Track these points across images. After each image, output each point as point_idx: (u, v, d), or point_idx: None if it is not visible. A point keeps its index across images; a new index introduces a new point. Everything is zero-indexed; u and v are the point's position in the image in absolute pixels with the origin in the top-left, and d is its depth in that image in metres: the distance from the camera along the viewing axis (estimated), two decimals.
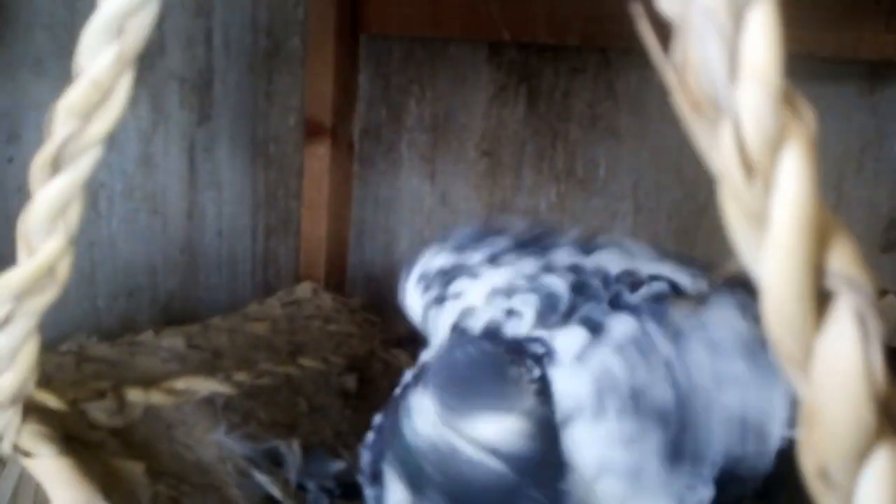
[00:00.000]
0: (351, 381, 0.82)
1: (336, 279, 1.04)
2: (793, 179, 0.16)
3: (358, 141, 1.09)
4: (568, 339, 0.48)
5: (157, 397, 0.50)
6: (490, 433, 0.36)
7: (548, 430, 0.41)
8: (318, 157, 0.98)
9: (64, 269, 0.30)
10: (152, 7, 0.28)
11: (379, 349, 0.91)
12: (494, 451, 0.36)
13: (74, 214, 0.29)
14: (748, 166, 0.16)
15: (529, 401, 0.40)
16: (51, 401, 0.39)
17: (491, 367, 0.40)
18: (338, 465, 0.66)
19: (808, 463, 0.16)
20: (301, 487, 0.59)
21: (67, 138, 0.28)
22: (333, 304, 0.96)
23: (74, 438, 0.37)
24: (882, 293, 0.71)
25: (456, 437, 0.38)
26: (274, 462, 0.59)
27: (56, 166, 0.28)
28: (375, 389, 0.85)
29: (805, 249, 0.16)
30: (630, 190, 1.02)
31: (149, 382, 0.51)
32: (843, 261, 0.16)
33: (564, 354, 0.47)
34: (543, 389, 0.45)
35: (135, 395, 0.48)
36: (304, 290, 0.96)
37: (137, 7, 0.27)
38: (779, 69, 0.16)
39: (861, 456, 0.16)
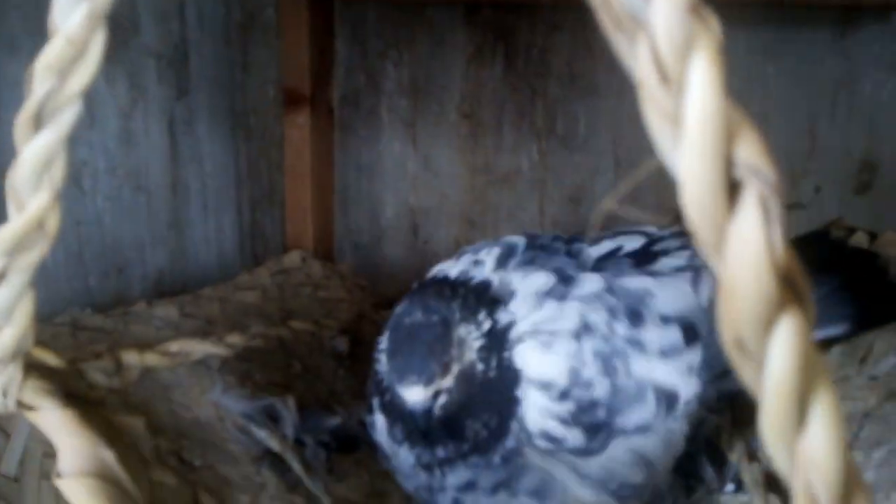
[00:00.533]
0: (342, 344, 0.84)
1: (324, 247, 1.05)
2: (701, 82, 0.17)
3: (338, 108, 1.09)
4: (533, 281, 0.52)
5: (152, 359, 0.51)
6: (411, 398, 0.46)
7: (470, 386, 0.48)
8: (299, 126, 0.98)
9: (53, 224, 0.31)
10: None
11: (369, 312, 0.93)
12: (412, 411, 0.46)
13: (59, 169, 0.30)
14: (663, 74, 0.18)
15: (462, 361, 0.48)
16: (50, 359, 0.40)
17: (424, 337, 0.47)
18: (333, 421, 0.68)
19: (726, 335, 0.18)
20: (299, 442, 0.61)
21: (47, 95, 0.29)
22: (323, 271, 0.98)
23: (75, 396, 0.39)
24: (850, 230, 0.73)
25: (395, 390, 0.47)
26: (271, 419, 0.61)
27: (38, 123, 0.29)
28: (366, 350, 0.87)
29: (715, 144, 0.18)
30: (611, 146, 1.03)
31: (144, 346, 0.53)
32: (750, 152, 0.18)
33: (526, 292, 0.50)
34: (494, 330, 0.50)
35: (131, 358, 0.49)
36: (292, 258, 0.97)
37: None
38: None
39: (768, 324, 0.17)
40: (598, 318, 0.50)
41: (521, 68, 1.04)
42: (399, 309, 0.51)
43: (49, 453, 0.36)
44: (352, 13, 1.08)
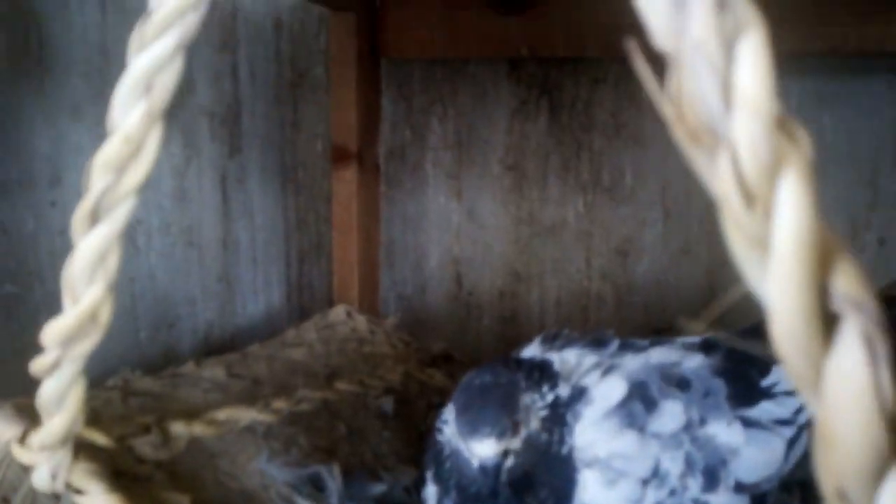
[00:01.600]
0: (388, 403, 0.83)
1: (369, 300, 1.05)
2: (791, 206, 0.16)
3: (384, 162, 1.11)
4: (609, 389, 0.50)
5: (199, 429, 0.51)
6: (483, 451, 0.45)
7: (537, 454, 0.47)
8: (346, 181, 1.00)
9: (105, 314, 0.31)
10: (177, 63, 0.29)
11: (414, 369, 0.92)
12: (482, 467, 0.45)
13: (113, 262, 0.31)
14: (747, 194, 0.17)
15: (528, 427, 0.47)
16: (99, 438, 0.41)
17: (495, 395, 0.47)
18: (378, 488, 0.66)
19: (826, 483, 0.16)
20: None
21: (104, 191, 0.30)
22: (367, 325, 0.98)
23: (123, 474, 0.39)
24: None
25: (464, 447, 0.47)
26: (316, 487, 0.60)
27: (95, 218, 0.30)
28: (412, 410, 0.86)
29: (808, 273, 0.16)
30: (658, 196, 1.01)
31: (192, 414, 0.53)
32: (848, 282, 0.16)
33: (600, 399, 0.49)
34: (555, 416, 0.49)
35: (178, 428, 0.50)
36: (338, 313, 0.98)
37: (164, 64, 0.29)
38: (771, 97, 0.17)
39: (877, 476, 0.16)
40: (673, 467, 0.47)
41: (565, 121, 1.04)
42: (466, 378, 0.51)
43: None
44: (398, 70, 1.10)
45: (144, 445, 0.46)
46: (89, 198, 0.30)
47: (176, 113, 0.97)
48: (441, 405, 0.91)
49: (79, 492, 0.35)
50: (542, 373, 0.53)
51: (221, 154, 1.04)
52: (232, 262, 1.09)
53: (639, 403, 0.50)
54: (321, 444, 0.69)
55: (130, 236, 0.93)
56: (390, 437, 0.79)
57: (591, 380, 0.53)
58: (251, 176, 1.10)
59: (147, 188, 1.02)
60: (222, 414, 0.54)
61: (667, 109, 0.18)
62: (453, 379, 0.93)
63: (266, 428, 0.61)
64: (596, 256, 1.06)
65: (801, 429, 0.52)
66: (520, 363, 0.55)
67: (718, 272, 0.99)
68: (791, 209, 0.16)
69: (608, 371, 0.53)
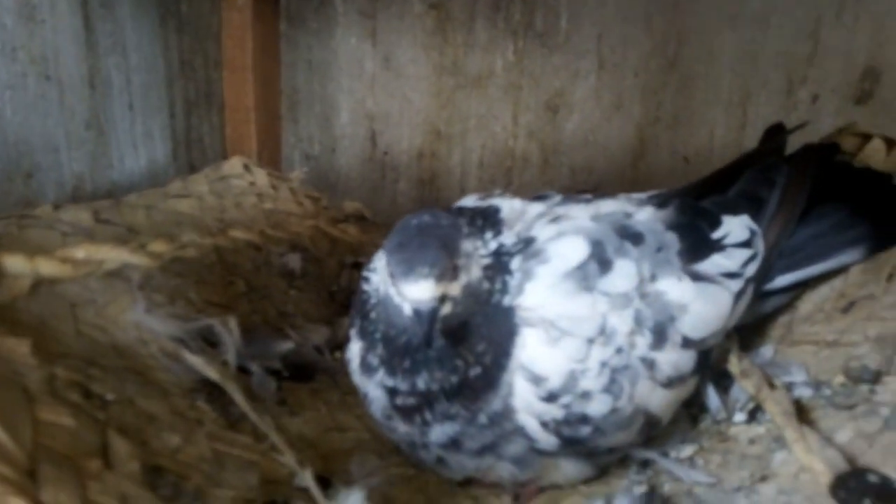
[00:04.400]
0: (294, 260, 0.74)
1: (269, 155, 0.93)
2: None
3: None
4: (566, 247, 0.46)
5: (48, 267, 0.40)
6: (417, 293, 0.39)
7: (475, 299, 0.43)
8: (238, 9, 0.84)
9: None
10: None
11: (325, 226, 0.82)
12: (417, 312, 0.40)
13: None
14: None
15: (469, 273, 0.42)
16: None
17: (435, 235, 0.41)
18: (285, 345, 0.58)
19: None
20: (243, 370, 0.52)
21: None
22: (269, 180, 0.86)
23: None
24: (866, 137, 0.66)
25: (395, 292, 0.41)
26: (208, 343, 0.51)
27: None
28: (322, 268, 0.77)
29: None
30: (594, 44, 0.92)
31: (37, 251, 0.41)
32: None
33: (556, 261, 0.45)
34: (498, 264, 0.44)
35: (17, 264, 0.38)
36: (233, 165, 0.85)
37: None
38: None
39: None
40: (621, 325, 0.44)
41: None
42: (402, 220, 0.44)
43: None
44: None
45: None
46: None
47: None
48: (356, 265, 0.83)
49: None
50: (486, 219, 0.48)
51: None
52: (103, 105, 0.92)
53: (595, 264, 0.45)
54: (215, 300, 0.59)
55: None
56: (297, 297, 0.70)
57: (540, 231, 0.47)
58: (120, 1, 0.91)
59: None
60: (80, 252, 0.42)
61: None
62: (369, 236, 0.84)
63: (143, 277, 0.50)
64: (524, 112, 0.97)
65: (747, 282, 0.50)
66: (461, 210, 0.50)
67: (648, 131, 0.94)
68: None
69: (556, 220, 0.48)
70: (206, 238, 0.57)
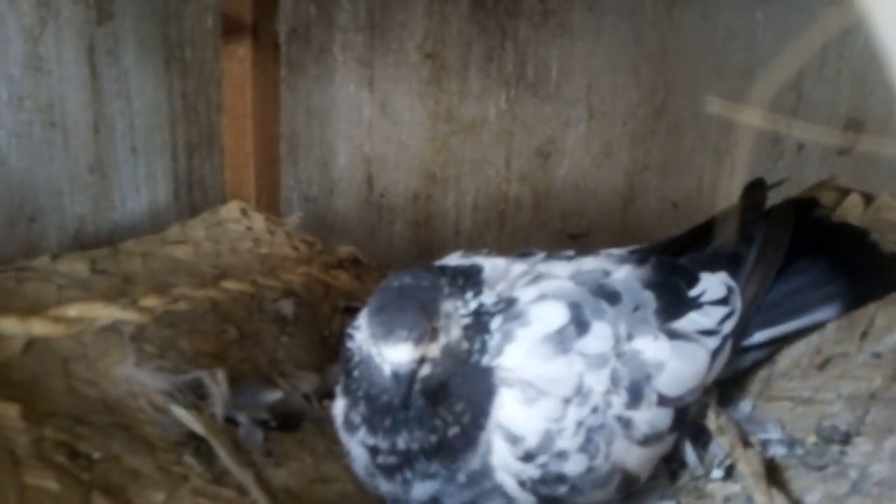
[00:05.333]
0: (287, 306, 0.75)
1: (268, 199, 0.95)
2: None
3: (285, 42, 0.98)
4: (546, 312, 0.47)
5: (40, 327, 0.41)
6: (397, 357, 0.40)
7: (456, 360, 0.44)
8: (238, 59, 0.87)
9: None
10: None
11: (318, 272, 0.84)
12: (395, 374, 0.41)
13: None
14: None
15: (448, 335, 0.43)
16: None
17: (415, 297, 0.42)
18: (273, 395, 0.59)
19: None
20: (231, 421, 0.53)
21: None
22: (266, 224, 0.88)
23: None
24: (843, 192, 0.68)
25: (376, 353, 0.42)
26: (197, 396, 0.52)
27: None
28: (315, 314, 0.78)
29: None
30: (584, 93, 0.95)
31: (30, 311, 0.43)
32: None
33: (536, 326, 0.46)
34: (478, 324, 0.45)
35: (9, 326, 0.40)
36: (231, 209, 0.87)
37: None
38: None
39: None
40: (597, 384, 0.45)
41: (489, 5, 0.95)
42: (384, 280, 0.45)
43: None
44: None
45: None
46: None
47: None
48: (349, 309, 0.84)
49: None
50: (468, 279, 0.48)
51: (87, 19, 0.88)
52: (106, 149, 0.95)
53: (573, 327, 0.46)
54: (206, 349, 0.60)
55: None
56: (289, 343, 0.72)
57: (522, 292, 0.48)
58: (126, 49, 0.94)
59: None
60: (73, 310, 0.44)
61: None
62: (362, 282, 0.86)
63: (136, 329, 0.52)
64: (516, 158, 0.99)
65: (724, 339, 0.51)
66: (443, 269, 0.51)
67: (637, 178, 0.95)
68: None
69: (537, 280, 0.49)
70: (199, 290, 0.58)
